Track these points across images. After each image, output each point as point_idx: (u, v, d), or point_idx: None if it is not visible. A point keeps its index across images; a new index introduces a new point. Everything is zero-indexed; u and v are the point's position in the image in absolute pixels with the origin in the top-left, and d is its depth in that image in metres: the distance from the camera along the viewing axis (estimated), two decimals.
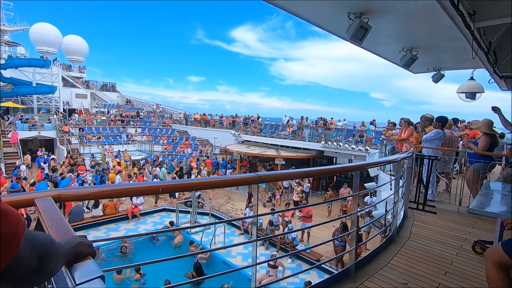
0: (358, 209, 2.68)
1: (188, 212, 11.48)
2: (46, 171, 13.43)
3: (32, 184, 11.31)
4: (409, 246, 3.39)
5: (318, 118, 18.57)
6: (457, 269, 2.87)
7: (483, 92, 5.50)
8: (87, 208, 10.91)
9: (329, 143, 15.94)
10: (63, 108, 26.23)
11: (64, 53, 32.49)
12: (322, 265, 7.88)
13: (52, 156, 16.43)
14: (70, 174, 12.48)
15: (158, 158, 17.51)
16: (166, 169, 15.78)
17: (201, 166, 16.74)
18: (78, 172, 13.33)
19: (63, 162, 15.11)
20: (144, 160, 16.58)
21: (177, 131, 25.89)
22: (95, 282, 0.69)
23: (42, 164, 14.64)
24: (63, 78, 27.97)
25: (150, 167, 15.47)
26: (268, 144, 19.44)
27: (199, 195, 12.73)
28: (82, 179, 12.99)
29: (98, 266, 0.76)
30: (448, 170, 5.76)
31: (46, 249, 0.59)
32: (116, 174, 13.78)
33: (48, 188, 10.61)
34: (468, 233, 3.87)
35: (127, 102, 34.31)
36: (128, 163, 16.66)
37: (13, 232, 0.42)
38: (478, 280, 2.66)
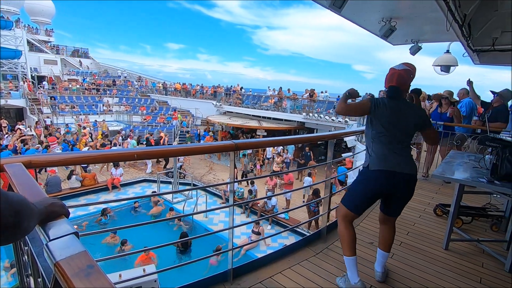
0: (331, 176, 2.83)
1: (169, 182, 11.53)
2: (6, 142, 12.58)
3: None
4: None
5: (305, 90, 18.55)
6: (418, 229, 3.15)
7: (457, 65, 5.66)
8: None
9: (310, 114, 16.12)
10: (31, 75, 24.47)
11: (28, 13, 29.49)
12: (300, 230, 8.33)
13: (18, 126, 14.86)
14: (38, 145, 11.74)
15: (131, 131, 17.13)
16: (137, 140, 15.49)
17: (166, 137, 16.55)
18: (49, 143, 12.57)
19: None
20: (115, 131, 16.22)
21: (157, 101, 25.10)
22: (69, 237, 0.71)
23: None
24: (28, 42, 25.73)
25: (120, 138, 15.09)
26: (250, 115, 19.38)
27: (181, 166, 12.74)
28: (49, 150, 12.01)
29: (71, 224, 0.79)
30: (419, 141, 6.07)
31: (20, 206, 0.62)
32: (85, 146, 13.36)
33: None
34: (432, 198, 4.20)
35: (84, 65, 31.78)
36: (107, 133, 16.12)
37: None
38: (435, 238, 2.95)
